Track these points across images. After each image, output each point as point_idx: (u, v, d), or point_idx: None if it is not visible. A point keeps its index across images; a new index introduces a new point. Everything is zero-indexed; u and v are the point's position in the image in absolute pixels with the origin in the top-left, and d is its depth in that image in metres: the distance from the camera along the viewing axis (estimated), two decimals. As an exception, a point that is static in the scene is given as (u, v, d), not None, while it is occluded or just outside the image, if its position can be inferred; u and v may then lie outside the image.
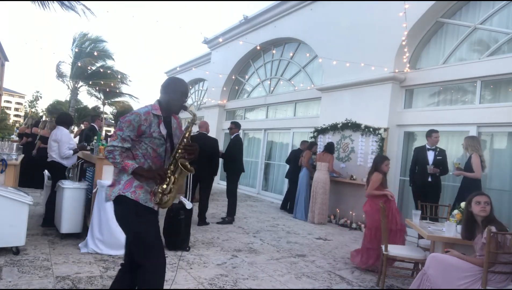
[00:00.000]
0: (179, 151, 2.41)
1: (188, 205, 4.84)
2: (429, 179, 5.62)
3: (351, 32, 8.18)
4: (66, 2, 7.98)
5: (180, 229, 4.76)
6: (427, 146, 5.77)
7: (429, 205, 5.09)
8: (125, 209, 2.34)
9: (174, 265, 4.11)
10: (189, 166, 2.41)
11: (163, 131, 2.41)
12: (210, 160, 6.35)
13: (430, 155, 5.71)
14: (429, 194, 5.50)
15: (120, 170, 2.37)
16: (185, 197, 5.70)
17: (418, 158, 5.85)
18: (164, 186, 2.35)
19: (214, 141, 6.57)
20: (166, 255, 4.43)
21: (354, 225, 7.39)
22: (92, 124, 8.81)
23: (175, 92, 2.48)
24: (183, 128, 2.55)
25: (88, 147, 5.75)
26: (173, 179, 2.37)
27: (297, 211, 7.99)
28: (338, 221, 7.74)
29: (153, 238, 2.37)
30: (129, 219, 2.36)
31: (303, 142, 8.66)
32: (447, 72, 6.55)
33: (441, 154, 5.68)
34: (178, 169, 2.38)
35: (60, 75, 20.39)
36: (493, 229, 2.93)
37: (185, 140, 2.43)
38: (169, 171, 2.37)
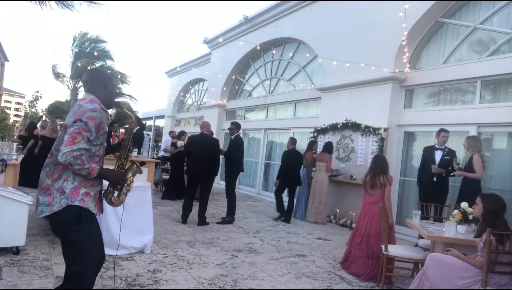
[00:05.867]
0: (129, 155, 2.38)
1: None
2: (434, 179, 5.57)
3: (351, 32, 8.18)
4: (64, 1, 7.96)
5: None
6: (436, 146, 5.73)
7: (433, 205, 5.07)
8: (73, 219, 2.17)
9: (174, 265, 4.11)
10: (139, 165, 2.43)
11: (106, 128, 2.33)
12: (210, 161, 6.35)
13: (438, 155, 5.65)
14: (434, 195, 5.44)
15: (60, 176, 2.17)
16: None
17: (426, 157, 5.81)
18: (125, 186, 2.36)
19: (215, 142, 6.57)
20: (166, 255, 4.45)
21: (354, 225, 7.38)
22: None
23: (112, 86, 2.41)
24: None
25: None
26: (130, 180, 2.37)
27: (298, 211, 8.00)
28: (338, 221, 7.74)
29: (93, 244, 2.26)
30: (83, 228, 2.21)
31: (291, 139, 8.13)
32: (447, 72, 6.55)
33: (449, 155, 5.58)
34: (133, 170, 2.37)
35: (57, 75, 20.34)
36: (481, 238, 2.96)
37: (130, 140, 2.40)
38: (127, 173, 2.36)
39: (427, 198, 5.35)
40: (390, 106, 7.21)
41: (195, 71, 15.88)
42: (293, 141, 8.00)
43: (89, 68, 19.47)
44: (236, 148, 6.89)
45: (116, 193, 2.40)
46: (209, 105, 14.38)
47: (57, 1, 7.68)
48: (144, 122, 14.55)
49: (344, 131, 8.07)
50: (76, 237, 2.18)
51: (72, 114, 2.19)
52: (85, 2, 7.99)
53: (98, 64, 20.21)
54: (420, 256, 3.89)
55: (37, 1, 7.46)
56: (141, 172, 2.43)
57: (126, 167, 2.42)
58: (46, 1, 7.55)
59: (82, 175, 2.16)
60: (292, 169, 7.59)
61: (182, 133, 9.43)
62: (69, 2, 7.86)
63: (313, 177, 7.75)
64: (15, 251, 3.94)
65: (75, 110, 2.19)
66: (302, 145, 9.73)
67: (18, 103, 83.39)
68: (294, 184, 7.64)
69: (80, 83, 20.62)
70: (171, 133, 11.91)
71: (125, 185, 2.37)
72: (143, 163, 2.44)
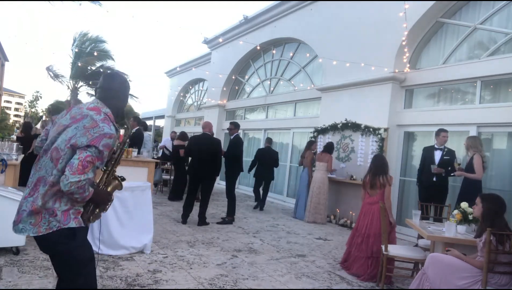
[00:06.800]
0: (114, 169, 2.24)
1: None
2: (434, 179, 5.58)
3: (351, 32, 8.18)
4: None
5: None
6: (435, 146, 5.73)
7: (433, 205, 5.08)
8: (67, 238, 2.01)
9: (174, 265, 4.11)
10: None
11: None
12: (212, 161, 6.34)
13: (437, 155, 5.66)
14: (434, 195, 5.45)
15: (52, 196, 1.97)
16: None
17: (425, 157, 5.82)
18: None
19: (217, 142, 6.57)
20: (166, 255, 4.45)
21: (354, 225, 7.38)
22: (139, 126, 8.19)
23: (127, 96, 2.24)
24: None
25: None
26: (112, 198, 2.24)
27: (298, 211, 8.00)
28: (338, 221, 7.74)
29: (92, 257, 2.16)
30: (80, 242, 2.08)
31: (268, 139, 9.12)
32: (447, 72, 6.55)
33: (449, 154, 5.60)
34: (114, 185, 2.24)
35: (56, 76, 20.27)
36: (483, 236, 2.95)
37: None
38: (109, 189, 2.22)
39: (427, 198, 5.35)
40: (390, 106, 7.21)
41: (195, 71, 15.88)
42: (269, 140, 9.04)
43: (88, 68, 19.47)
44: (235, 148, 6.89)
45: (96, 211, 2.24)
46: (209, 105, 14.38)
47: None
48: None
49: (344, 131, 8.07)
50: (76, 252, 2.03)
51: (83, 130, 1.96)
52: (86, 2, 8.00)
53: (98, 64, 20.20)
54: (420, 256, 3.89)
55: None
56: (121, 188, 2.29)
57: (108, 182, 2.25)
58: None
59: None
60: (267, 165, 8.65)
61: (185, 134, 9.18)
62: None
63: (313, 177, 7.75)
64: (15, 251, 3.95)
65: (87, 126, 1.97)
66: (302, 145, 9.74)
67: (18, 103, 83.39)
68: (268, 179, 8.71)
69: (81, 83, 20.62)
70: (172, 133, 11.86)
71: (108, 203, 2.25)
72: (123, 179, 2.30)
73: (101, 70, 19.91)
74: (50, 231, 1.95)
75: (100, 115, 2.05)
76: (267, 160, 8.67)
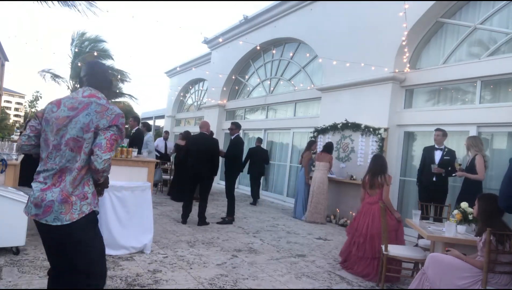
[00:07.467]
0: None
1: None
2: (434, 179, 5.57)
3: (351, 32, 8.18)
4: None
5: None
6: (436, 146, 5.73)
7: (433, 205, 5.07)
8: (92, 223, 2.13)
9: (174, 265, 4.11)
10: None
11: None
12: (210, 161, 6.36)
13: (437, 155, 5.66)
14: (434, 195, 5.45)
15: (81, 181, 2.07)
16: None
17: (425, 157, 5.82)
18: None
19: (215, 142, 6.58)
20: (166, 255, 4.45)
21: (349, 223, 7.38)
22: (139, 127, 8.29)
23: (110, 79, 2.37)
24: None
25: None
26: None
27: (297, 211, 8.00)
28: (338, 221, 7.74)
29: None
30: (98, 230, 2.21)
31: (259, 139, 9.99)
32: (447, 72, 6.55)
33: (449, 155, 5.59)
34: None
35: (56, 76, 20.27)
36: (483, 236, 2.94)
37: None
38: None
39: (427, 198, 5.35)
40: (390, 106, 7.21)
41: (195, 71, 15.89)
42: (259, 140, 9.93)
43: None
44: (236, 148, 6.90)
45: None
46: (209, 105, 14.38)
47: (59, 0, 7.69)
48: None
49: (344, 131, 8.07)
50: (95, 241, 2.12)
51: (98, 114, 2.06)
52: (85, 2, 8.00)
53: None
54: (420, 256, 3.89)
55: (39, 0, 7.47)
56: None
57: None
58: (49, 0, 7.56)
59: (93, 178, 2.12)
60: (257, 163, 9.47)
61: (189, 134, 9.05)
62: (69, 2, 7.86)
63: (313, 176, 7.76)
64: (15, 251, 3.94)
65: (99, 111, 2.08)
66: (302, 145, 9.75)
67: (18, 103, 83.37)
68: (259, 175, 9.58)
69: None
70: (165, 133, 11.69)
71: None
72: None
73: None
74: (83, 215, 2.04)
75: (101, 99, 2.17)
76: (258, 157, 9.50)
